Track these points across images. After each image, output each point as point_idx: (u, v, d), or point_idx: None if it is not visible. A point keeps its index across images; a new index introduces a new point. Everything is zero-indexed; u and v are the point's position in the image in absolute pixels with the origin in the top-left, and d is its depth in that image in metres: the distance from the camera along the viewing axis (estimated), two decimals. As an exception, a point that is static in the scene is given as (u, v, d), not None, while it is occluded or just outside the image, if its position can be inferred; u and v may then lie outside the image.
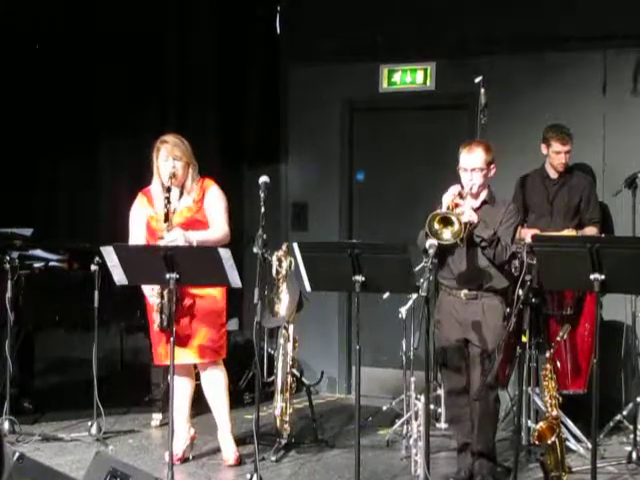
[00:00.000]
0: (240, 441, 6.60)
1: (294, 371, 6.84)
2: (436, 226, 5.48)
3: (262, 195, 5.92)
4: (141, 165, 6.73)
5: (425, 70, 8.31)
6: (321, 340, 8.49)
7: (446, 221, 5.50)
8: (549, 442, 5.40)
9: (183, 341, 6.21)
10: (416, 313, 6.66)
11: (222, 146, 8.95)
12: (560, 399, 5.61)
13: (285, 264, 6.70)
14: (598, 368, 5.19)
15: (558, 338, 5.66)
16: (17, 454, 3.81)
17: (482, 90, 6.73)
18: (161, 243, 6.08)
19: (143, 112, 8.86)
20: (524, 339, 6.00)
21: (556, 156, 7.07)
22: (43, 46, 8.85)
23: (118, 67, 8.89)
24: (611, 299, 6.72)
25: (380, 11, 8.27)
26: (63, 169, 9.36)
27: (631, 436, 6.52)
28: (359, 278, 5.40)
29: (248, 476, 5.82)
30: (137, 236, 6.38)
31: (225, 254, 5.64)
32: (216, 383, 6.43)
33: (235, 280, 5.73)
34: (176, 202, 6.33)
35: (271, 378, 7.21)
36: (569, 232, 6.95)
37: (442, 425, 7.02)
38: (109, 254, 5.85)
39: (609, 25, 7.50)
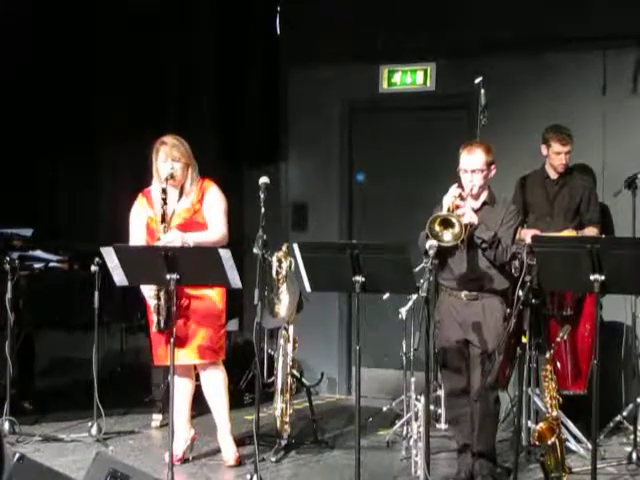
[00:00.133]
0: (240, 442, 6.59)
1: (294, 372, 6.85)
2: (437, 228, 5.47)
3: (262, 196, 5.92)
4: (141, 166, 6.73)
5: (425, 71, 8.32)
6: (321, 341, 8.49)
7: (447, 223, 5.49)
8: (549, 443, 5.41)
9: (182, 342, 6.20)
10: (416, 314, 6.65)
11: (222, 146, 8.94)
12: (560, 400, 5.62)
13: (285, 265, 6.69)
14: (598, 369, 5.19)
15: (558, 339, 5.67)
16: (17, 455, 3.81)
17: (482, 91, 6.71)
18: (158, 244, 6.08)
19: (143, 112, 8.85)
20: (524, 340, 5.98)
21: (556, 157, 7.06)
22: (43, 46, 8.83)
23: (118, 67, 8.89)
24: (611, 300, 6.71)
25: (380, 11, 8.28)
26: (63, 169, 9.34)
27: (631, 437, 6.52)
28: (359, 279, 5.39)
29: (248, 477, 5.82)
30: (137, 237, 6.37)
31: (225, 254, 5.64)
32: (216, 384, 6.43)
33: (235, 280, 5.73)
34: (175, 203, 6.33)
35: (271, 379, 7.22)
36: (569, 233, 6.94)
37: (442, 426, 7.01)
38: (109, 255, 5.85)
39: (609, 25, 7.50)
